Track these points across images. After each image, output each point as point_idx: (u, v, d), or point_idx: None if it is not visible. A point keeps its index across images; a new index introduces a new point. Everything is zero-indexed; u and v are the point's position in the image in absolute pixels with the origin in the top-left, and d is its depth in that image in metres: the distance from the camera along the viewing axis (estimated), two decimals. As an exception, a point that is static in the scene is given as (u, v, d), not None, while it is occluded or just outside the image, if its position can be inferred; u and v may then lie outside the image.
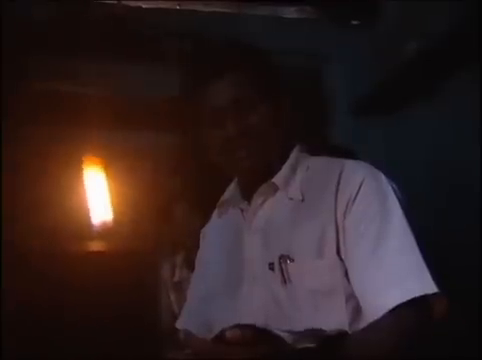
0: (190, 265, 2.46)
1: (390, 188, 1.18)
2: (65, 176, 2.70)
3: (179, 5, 2.94)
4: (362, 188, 1.16)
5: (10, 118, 2.50)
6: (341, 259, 1.14)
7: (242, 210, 1.33)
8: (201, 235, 1.51)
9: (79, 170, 2.78)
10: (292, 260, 1.17)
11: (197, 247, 2.35)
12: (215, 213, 1.45)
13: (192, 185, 2.55)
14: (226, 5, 3.01)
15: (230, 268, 1.31)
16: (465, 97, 2.39)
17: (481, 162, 2.18)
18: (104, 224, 2.67)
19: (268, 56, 1.32)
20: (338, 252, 1.15)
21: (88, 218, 2.67)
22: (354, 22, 3.08)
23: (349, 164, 1.23)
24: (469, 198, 2.23)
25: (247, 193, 1.32)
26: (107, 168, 2.81)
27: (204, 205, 2.30)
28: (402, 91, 2.74)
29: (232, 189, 1.38)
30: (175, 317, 2.49)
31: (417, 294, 1.06)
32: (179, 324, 1.47)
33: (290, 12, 3.10)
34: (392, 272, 1.09)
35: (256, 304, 1.21)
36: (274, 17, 3.06)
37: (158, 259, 2.65)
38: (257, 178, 1.28)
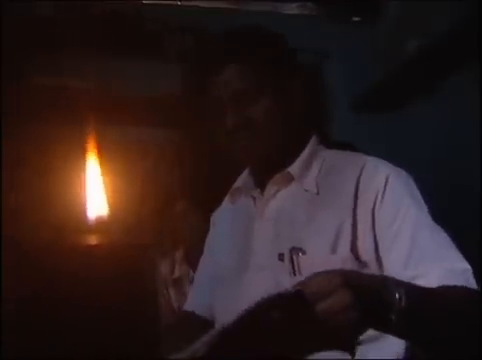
0: (190, 261, 2.47)
1: (413, 183, 1.18)
2: (65, 172, 2.70)
3: (180, 1, 2.94)
4: (389, 185, 1.15)
5: (10, 115, 2.50)
6: (355, 256, 1.13)
7: (254, 198, 1.31)
8: (211, 221, 1.48)
9: (79, 166, 2.77)
10: (304, 252, 1.16)
11: (197, 243, 2.36)
12: (227, 199, 1.42)
13: (192, 182, 2.55)
14: (227, 1, 3.01)
15: (237, 255, 1.30)
16: (465, 96, 2.39)
17: (481, 162, 2.19)
18: (104, 219, 2.67)
19: (274, 40, 1.29)
20: (352, 249, 1.13)
21: (88, 213, 2.67)
22: (355, 19, 3.08)
23: (370, 161, 1.21)
24: (469, 198, 2.24)
25: (260, 181, 1.30)
26: (107, 164, 2.81)
27: (204, 202, 2.31)
28: (402, 89, 2.74)
29: (245, 177, 1.36)
30: (174, 313, 2.51)
31: (466, 284, 1.05)
32: (187, 306, 1.46)
33: (291, 8, 3.10)
34: (434, 259, 1.08)
35: (259, 293, 1.21)
36: (275, 13, 3.06)
37: (157, 255, 2.65)
38: (270, 167, 1.26)
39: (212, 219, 1.48)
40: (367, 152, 1.38)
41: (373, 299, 0.88)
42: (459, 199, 2.27)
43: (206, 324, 1.35)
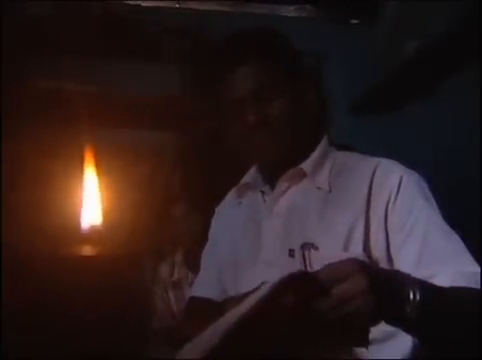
0: (189, 264, 2.47)
1: (425, 185, 1.19)
2: (62, 176, 2.68)
3: (178, 4, 2.95)
4: (402, 186, 1.16)
5: (6, 116, 2.49)
6: (368, 255, 1.14)
7: (263, 193, 1.32)
8: (216, 211, 1.49)
9: (76, 170, 2.76)
10: (316, 249, 1.16)
11: (196, 245, 2.35)
12: (232, 194, 1.43)
13: (191, 184, 2.54)
14: (226, 4, 3.01)
15: (245, 249, 1.30)
16: (465, 97, 2.39)
17: (481, 162, 2.18)
18: (100, 228, 2.64)
19: (286, 42, 1.30)
20: (365, 248, 1.14)
21: (85, 222, 2.64)
22: (353, 21, 3.09)
23: (383, 162, 1.22)
24: (470, 199, 2.23)
25: (270, 178, 1.31)
26: (105, 168, 2.79)
27: (203, 204, 2.30)
28: (402, 91, 2.74)
29: (253, 173, 1.36)
30: (174, 316, 2.50)
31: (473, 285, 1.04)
32: (199, 293, 1.42)
33: (289, 11, 3.10)
34: (445, 261, 1.09)
35: None
36: (273, 16, 3.06)
37: (154, 261, 2.64)
38: (281, 164, 1.26)
39: (217, 210, 1.48)
40: (367, 154, 1.37)
41: (389, 289, 0.88)
42: (459, 200, 2.26)
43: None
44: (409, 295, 0.89)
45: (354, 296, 0.83)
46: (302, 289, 0.82)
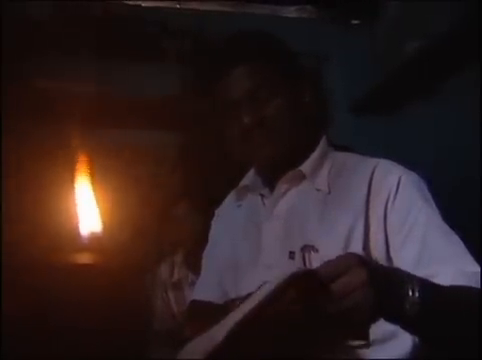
0: (189, 264, 2.47)
1: (424, 185, 1.19)
2: (61, 178, 2.67)
3: (179, 4, 2.95)
4: (401, 186, 1.15)
5: (8, 117, 2.48)
6: (367, 256, 1.13)
7: (262, 196, 1.32)
8: (216, 213, 1.48)
9: (76, 170, 2.75)
10: (316, 251, 1.16)
11: (197, 246, 2.36)
12: (232, 197, 1.42)
13: (191, 184, 2.54)
14: (226, 4, 3.01)
15: (244, 252, 1.30)
16: (466, 97, 2.38)
17: (481, 162, 2.18)
18: (100, 228, 2.63)
19: (282, 44, 1.30)
20: (364, 248, 1.14)
21: (83, 222, 2.63)
22: (354, 22, 3.09)
23: (382, 163, 1.22)
24: (469, 198, 2.23)
25: (269, 180, 1.30)
26: (105, 167, 2.79)
27: (204, 204, 2.30)
28: (402, 91, 2.74)
29: (251, 176, 1.36)
30: (174, 317, 2.50)
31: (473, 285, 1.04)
32: (200, 297, 1.41)
33: (290, 12, 3.11)
34: (445, 261, 1.08)
35: None
36: (274, 16, 3.06)
37: (155, 262, 2.64)
38: (280, 166, 1.26)
39: (217, 212, 1.48)
40: (368, 154, 1.37)
41: (388, 285, 0.88)
42: (460, 200, 2.26)
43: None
44: (408, 292, 0.88)
45: (354, 289, 0.83)
46: (303, 286, 0.82)
